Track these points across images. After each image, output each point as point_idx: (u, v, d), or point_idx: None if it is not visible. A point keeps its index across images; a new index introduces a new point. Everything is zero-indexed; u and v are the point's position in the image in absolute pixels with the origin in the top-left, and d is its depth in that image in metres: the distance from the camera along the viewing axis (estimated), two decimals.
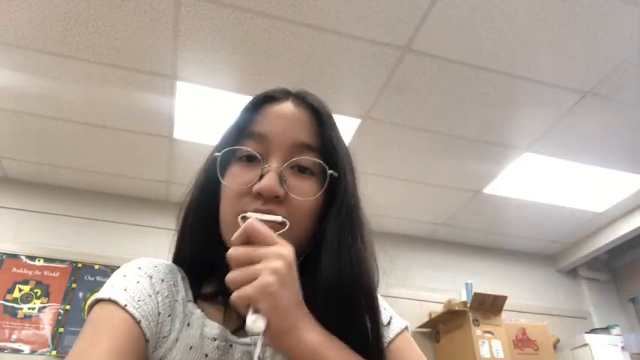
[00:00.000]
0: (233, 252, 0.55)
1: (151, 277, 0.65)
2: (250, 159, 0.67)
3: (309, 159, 0.67)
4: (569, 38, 2.05)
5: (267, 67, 2.20)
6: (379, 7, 1.92)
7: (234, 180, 0.66)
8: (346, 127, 2.54)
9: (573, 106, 2.41)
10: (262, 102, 0.71)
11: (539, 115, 2.48)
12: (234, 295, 0.53)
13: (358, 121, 2.51)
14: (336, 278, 0.61)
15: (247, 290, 0.53)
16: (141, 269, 0.66)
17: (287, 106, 0.71)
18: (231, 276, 0.54)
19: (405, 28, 2.00)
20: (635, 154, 2.74)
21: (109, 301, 0.61)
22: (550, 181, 2.99)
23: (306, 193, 0.65)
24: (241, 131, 0.70)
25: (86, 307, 0.59)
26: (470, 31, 2.02)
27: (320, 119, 0.72)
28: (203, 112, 2.48)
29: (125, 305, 0.60)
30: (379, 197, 3.17)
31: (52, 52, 2.13)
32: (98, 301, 0.62)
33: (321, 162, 0.68)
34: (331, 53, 2.12)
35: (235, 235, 0.57)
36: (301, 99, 0.73)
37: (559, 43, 2.08)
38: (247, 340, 0.65)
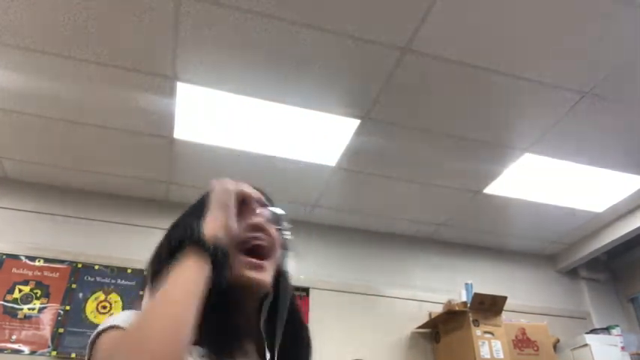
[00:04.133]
0: None
1: None
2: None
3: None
4: (569, 38, 2.05)
5: (267, 68, 2.19)
6: (379, 7, 1.92)
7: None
8: (346, 127, 2.55)
9: (573, 106, 2.41)
10: None
11: (539, 115, 2.48)
12: None
13: (358, 121, 2.50)
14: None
15: None
16: (132, 310, 0.75)
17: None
18: None
19: (405, 28, 2.00)
20: (635, 154, 2.74)
21: (112, 327, 0.68)
22: (550, 181, 2.99)
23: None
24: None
25: (88, 344, 0.69)
26: (470, 31, 2.02)
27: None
28: (203, 113, 2.48)
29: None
30: (379, 197, 3.18)
31: (52, 52, 2.13)
32: (100, 333, 0.68)
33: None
34: (331, 53, 2.12)
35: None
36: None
37: (559, 43, 2.08)
38: None
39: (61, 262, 2.84)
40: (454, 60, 2.16)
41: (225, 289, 0.73)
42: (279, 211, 0.86)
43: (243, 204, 0.79)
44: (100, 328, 0.70)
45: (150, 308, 0.63)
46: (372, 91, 2.33)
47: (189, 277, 0.66)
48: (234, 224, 0.75)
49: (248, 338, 0.79)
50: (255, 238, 0.80)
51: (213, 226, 0.72)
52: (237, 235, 0.76)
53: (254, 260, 0.78)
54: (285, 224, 0.86)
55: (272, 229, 0.82)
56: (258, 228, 0.81)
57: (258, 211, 0.83)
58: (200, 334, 0.68)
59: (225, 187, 0.77)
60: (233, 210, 0.75)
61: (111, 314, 2.76)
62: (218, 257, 0.68)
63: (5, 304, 2.65)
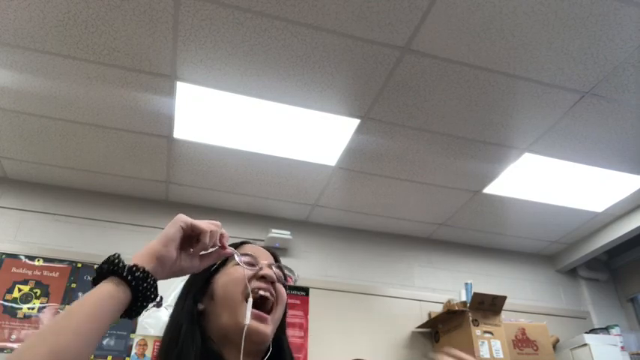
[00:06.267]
0: None
1: None
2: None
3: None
4: (569, 38, 2.05)
5: (266, 67, 2.20)
6: (379, 7, 1.92)
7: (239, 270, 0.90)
8: (346, 127, 2.55)
9: (573, 106, 2.41)
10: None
11: (539, 115, 2.48)
12: None
13: (358, 121, 2.51)
14: None
15: None
16: None
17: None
18: None
19: (405, 28, 2.00)
20: (635, 154, 2.74)
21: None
22: (550, 181, 2.99)
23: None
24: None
25: None
26: (470, 31, 2.02)
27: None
28: (203, 112, 2.48)
29: None
30: (379, 197, 3.18)
31: (52, 52, 2.13)
32: None
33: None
34: (331, 53, 2.12)
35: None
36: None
37: (559, 43, 2.08)
38: None
39: (61, 261, 2.84)
40: (454, 60, 2.16)
41: (229, 335, 0.81)
42: (287, 269, 0.94)
43: (195, 236, 0.79)
44: None
45: (34, 334, 0.61)
46: (372, 91, 2.33)
47: (91, 299, 0.65)
48: (170, 253, 0.75)
49: None
50: (263, 289, 0.87)
51: (141, 254, 0.73)
52: (180, 266, 0.77)
53: (260, 312, 0.84)
54: (293, 280, 0.95)
55: (279, 286, 0.89)
56: (266, 280, 0.88)
57: (267, 268, 0.90)
58: None
59: (174, 220, 0.78)
60: (176, 241, 0.76)
61: None
62: (136, 279, 0.68)
63: (5, 303, 2.65)
